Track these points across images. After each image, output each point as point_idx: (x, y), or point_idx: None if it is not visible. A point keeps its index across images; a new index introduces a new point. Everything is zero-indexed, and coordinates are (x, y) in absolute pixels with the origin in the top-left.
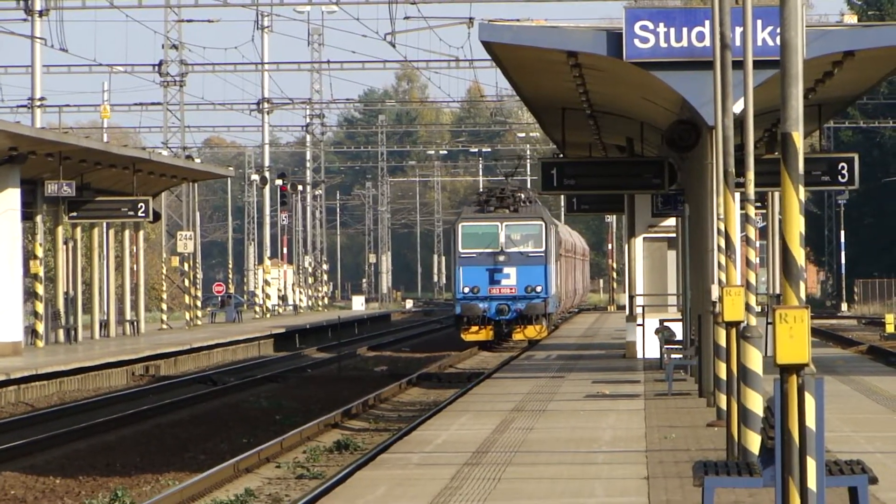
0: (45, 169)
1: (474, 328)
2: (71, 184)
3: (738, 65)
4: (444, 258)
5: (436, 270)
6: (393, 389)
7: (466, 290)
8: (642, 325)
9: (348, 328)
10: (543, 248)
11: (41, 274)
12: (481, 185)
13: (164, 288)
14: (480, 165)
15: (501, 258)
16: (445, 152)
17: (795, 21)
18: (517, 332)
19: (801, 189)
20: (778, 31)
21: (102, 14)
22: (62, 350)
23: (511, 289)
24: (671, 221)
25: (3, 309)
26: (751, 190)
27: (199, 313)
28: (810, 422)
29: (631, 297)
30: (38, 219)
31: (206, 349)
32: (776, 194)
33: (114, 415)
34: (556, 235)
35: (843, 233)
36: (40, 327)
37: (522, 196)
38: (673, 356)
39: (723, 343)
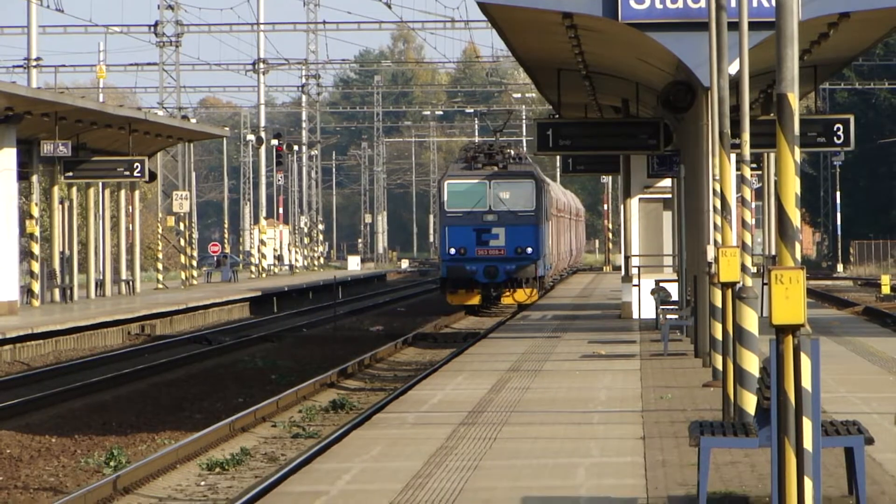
0: (40, 129)
1: (461, 291)
2: (67, 144)
3: (734, 26)
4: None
5: (431, 231)
6: (389, 349)
7: (453, 251)
8: (638, 285)
9: (344, 288)
10: (534, 207)
11: (37, 234)
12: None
13: (160, 248)
14: (476, 126)
15: (490, 217)
16: (441, 113)
17: None
18: (506, 296)
19: (797, 150)
20: None
21: None
22: (58, 309)
23: (500, 250)
24: (667, 182)
25: None
26: (746, 151)
27: (195, 273)
28: (806, 382)
29: (627, 258)
30: (34, 179)
31: (201, 308)
32: (772, 155)
33: (109, 374)
34: (549, 194)
35: (838, 194)
36: (36, 287)
37: (512, 152)
38: (669, 317)
39: (718, 304)
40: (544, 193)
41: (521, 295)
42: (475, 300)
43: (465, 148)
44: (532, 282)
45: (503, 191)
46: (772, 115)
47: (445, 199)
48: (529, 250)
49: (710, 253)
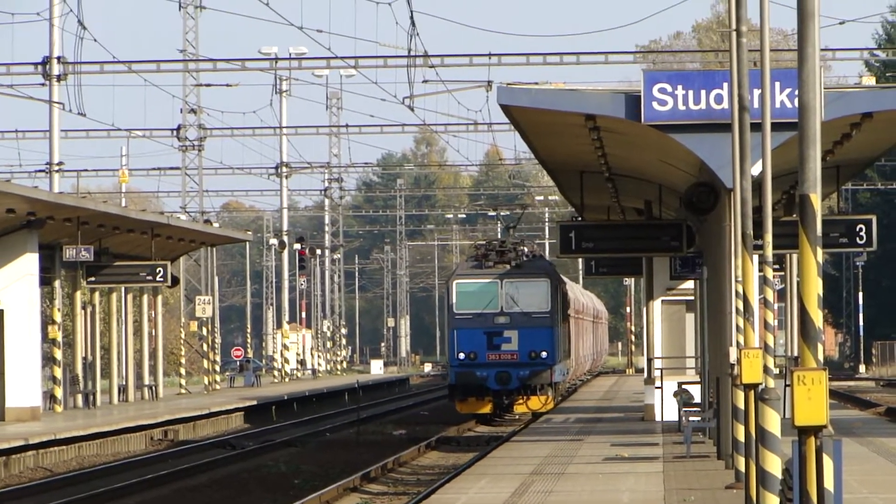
0: (63, 233)
1: (471, 399)
2: (89, 248)
3: (756, 127)
4: None
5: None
6: (412, 453)
7: (462, 355)
8: (661, 387)
9: (367, 392)
10: (549, 308)
11: (59, 339)
12: None
13: (183, 352)
14: (499, 228)
15: (502, 319)
16: (464, 216)
17: (813, 83)
18: (519, 404)
19: (819, 251)
20: (796, 92)
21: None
22: (81, 415)
23: (512, 354)
24: (689, 284)
25: (21, 374)
26: (769, 252)
27: (218, 378)
28: (829, 483)
29: (649, 360)
30: (57, 283)
31: (224, 413)
32: (794, 256)
33: (133, 479)
34: (566, 294)
35: (860, 294)
36: (59, 392)
37: (525, 249)
38: (691, 418)
39: (741, 405)
40: (560, 293)
41: (536, 403)
42: (486, 409)
43: (475, 245)
44: (547, 388)
45: (516, 291)
46: (794, 215)
47: (454, 299)
48: (544, 354)
49: (733, 354)
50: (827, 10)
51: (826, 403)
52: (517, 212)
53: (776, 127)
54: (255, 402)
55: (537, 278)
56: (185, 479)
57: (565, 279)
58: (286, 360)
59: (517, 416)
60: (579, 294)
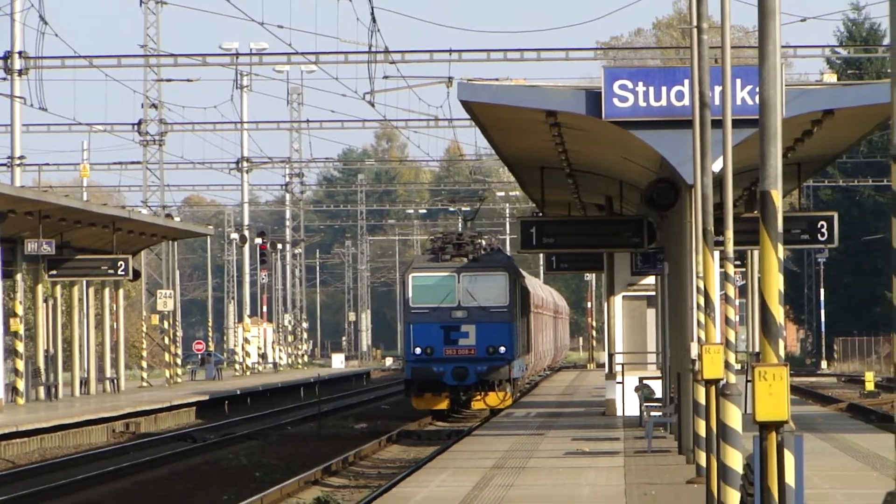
0: (24, 227)
1: (427, 395)
2: (51, 242)
3: (718, 124)
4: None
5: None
6: (373, 447)
7: (418, 350)
8: (622, 382)
9: (328, 386)
10: (507, 303)
11: (21, 332)
12: None
13: (144, 346)
14: (459, 224)
15: (459, 314)
16: (425, 211)
17: (774, 80)
18: (477, 401)
19: (780, 247)
20: (757, 90)
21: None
22: (43, 407)
23: (470, 350)
24: (650, 280)
25: None
26: (730, 248)
27: (180, 371)
28: (790, 478)
29: (610, 355)
30: (18, 277)
31: (185, 406)
32: (756, 252)
33: (95, 471)
34: (524, 288)
35: (822, 291)
36: (21, 384)
37: (483, 242)
38: (653, 413)
39: (702, 400)
40: (519, 287)
41: (494, 399)
42: (443, 405)
43: (432, 238)
44: (505, 384)
45: (474, 284)
46: (755, 212)
47: (410, 293)
48: (503, 349)
49: (694, 350)
50: (788, 7)
51: (787, 399)
52: (476, 206)
53: (737, 124)
54: (209, 397)
55: (495, 272)
56: (146, 472)
57: (524, 273)
58: (247, 354)
59: (475, 413)
60: (539, 288)
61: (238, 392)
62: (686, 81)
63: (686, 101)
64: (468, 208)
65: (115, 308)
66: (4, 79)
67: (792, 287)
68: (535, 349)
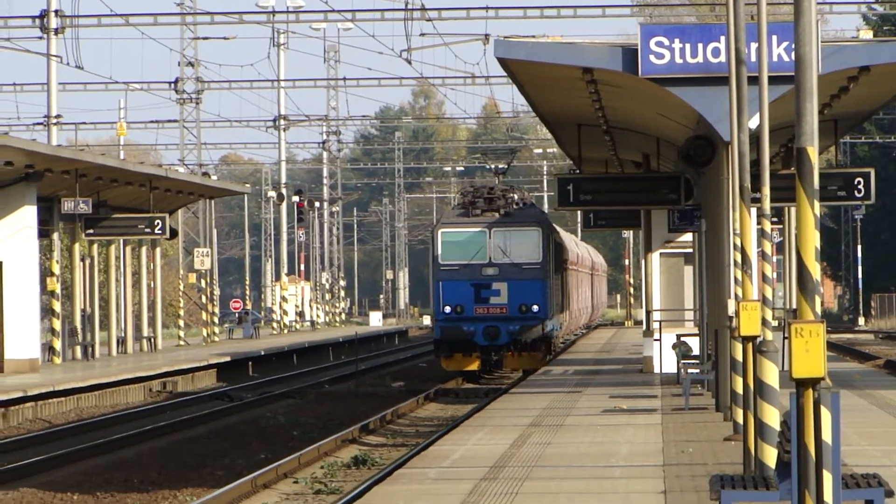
0: (61, 186)
1: (458, 356)
2: (87, 201)
3: (754, 80)
4: None
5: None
6: (410, 405)
7: (448, 309)
8: (659, 340)
9: (366, 344)
10: (541, 259)
11: (58, 291)
12: None
13: (181, 304)
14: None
15: (490, 271)
16: (462, 168)
17: (810, 36)
18: (509, 361)
19: (817, 204)
20: (793, 46)
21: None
22: (79, 367)
23: (502, 308)
24: (688, 237)
25: (20, 326)
26: (766, 205)
27: (217, 330)
28: (826, 435)
29: (648, 313)
30: (55, 236)
31: (222, 365)
32: (792, 209)
33: (131, 431)
34: (558, 244)
35: (859, 247)
36: (57, 344)
37: (515, 196)
38: (690, 371)
39: (739, 357)
40: (552, 243)
41: (527, 360)
42: (474, 366)
43: (462, 192)
44: (539, 344)
45: (505, 240)
46: (792, 169)
47: (440, 250)
48: (536, 308)
49: (731, 307)
50: None
51: (824, 356)
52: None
53: (773, 80)
54: (254, 354)
55: (528, 227)
56: (184, 431)
57: (559, 229)
58: (285, 312)
59: (507, 375)
60: (574, 244)
61: (286, 348)
62: (722, 38)
63: (722, 58)
64: (504, 167)
65: (152, 267)
66: (41, 37)
67: (829, 244)
68: (570, 307)
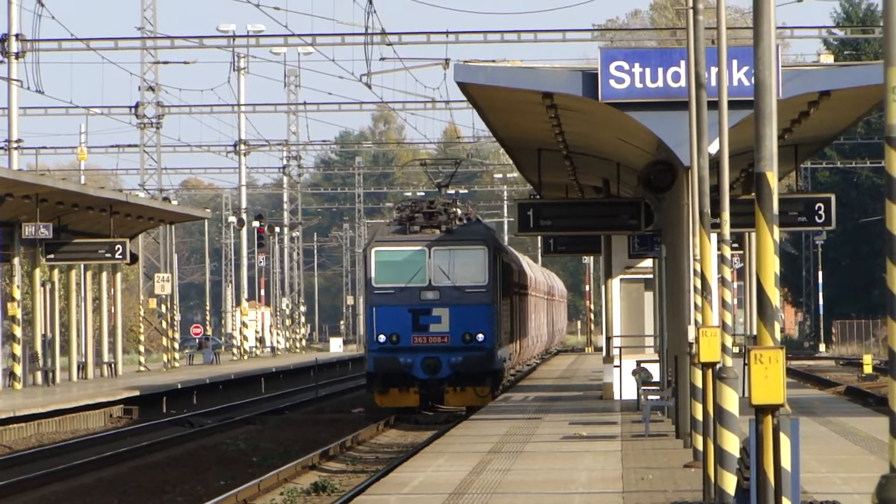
0: (22, 211)
1: (393, 391)
2: (48, 226)
3: (714, 105)
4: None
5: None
6: (370, 431)
7: (382, 338)
8: (619, 366)
9: (326, 370)
10: (487, 282)
11: (19, 316)
12: None
13: (142, 330)
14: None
15: (430, 295)
16: (423, 194)
17: (770, 60)
18: (452, 397)
19: (776, 229)
20: (753, 71)
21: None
22: (40, 392)
23: (443, 337)
24: (648, 262)
25: None
26: (726, 230)
27: (177, 355)
28: (786, 462)
29: (608, 339)
30: (16, 261)
31: (184, 391)
32: (753, 235)
33: (91, 457)
34: (507, 265)
35: (820, 273)
36: (18, 369)
37: (459, 212)
38: (650, 397)
39: (699, 384)
40: (500, 264)
41: (471, 395)
42: (412, 401)
43: (398, 206)
44: (485, 378)
45: (447, 261)
46: (752, 194)
47: (373, 272)
48: (481, 337)
49: (691, 333)
50: None
51: (783, 382)
52: (471, 167)
53: (733, 105)
54: (209, 380)
55: (472, 245)
56: (144, 457)
57: (511, 249)
58: (245, 338)
59: (453, 410)
60: (529, 267)
61: (232, 376)
62: (682, 62)
63: (682, 83)
64: (424, 162)
65: (112, 292)
66: (1, 62)
67: (790, 270)
68: (523, 335)
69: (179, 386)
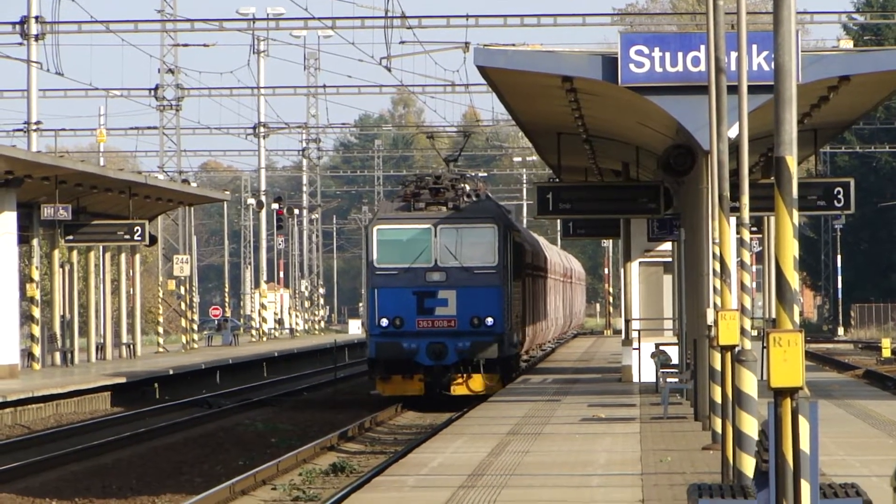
0: (41, 192)
1: (396, 378)
2: (67, 207)
3: (733, 89)
4: None
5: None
6: (389, 412)
7: (385, 322)
8: (638, 349)
9: (345, 352)
10: (497, 263)
11: (37, 297)
12: None
13: (161, 311)
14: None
15: (436, 276)
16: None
17: (789, 45)
18: (458, 384)
19: (795, 213)
20: (773, 55)
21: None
22: (58, 373)
23: (449, 321)
24: (667, 246)
25: (0, 332)
26: (745, 214)
27: (196, 336)
28: (804, 445)
29: (627, 322)
30: (35, 242)
31: (202, 372)
32: (772, 219)
33: (110, 437)
34: (519, 245)
35: (839, 257)
36: (37, 350)
37: (467, 188)
38: (669, 380)
39: (718, 367)
40: (511, 243)
41: (479, 382)
42: (415, 389)
43: (404, 182)
44: (494, 364)
45: (454, 240)
46: (771, 178)
47: (375, 251)
48: (490, 321)
49: (710, 316)
50: None
51: (802, 365)
52: (490, 150)
53: (753, 90)
54: (231, 361)
55: (481, 224)
56: (162, 437)
57: (524, 228)
58: (264, 320)
59: (456, 400)
60: (544, 248)
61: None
62: (702, 47)
63: (702, 67)
64: (432, 134)
65: (131, 273)
66: (21, 44)
67: (809, 253)
68: (536, 318)
69: (203, 366)
